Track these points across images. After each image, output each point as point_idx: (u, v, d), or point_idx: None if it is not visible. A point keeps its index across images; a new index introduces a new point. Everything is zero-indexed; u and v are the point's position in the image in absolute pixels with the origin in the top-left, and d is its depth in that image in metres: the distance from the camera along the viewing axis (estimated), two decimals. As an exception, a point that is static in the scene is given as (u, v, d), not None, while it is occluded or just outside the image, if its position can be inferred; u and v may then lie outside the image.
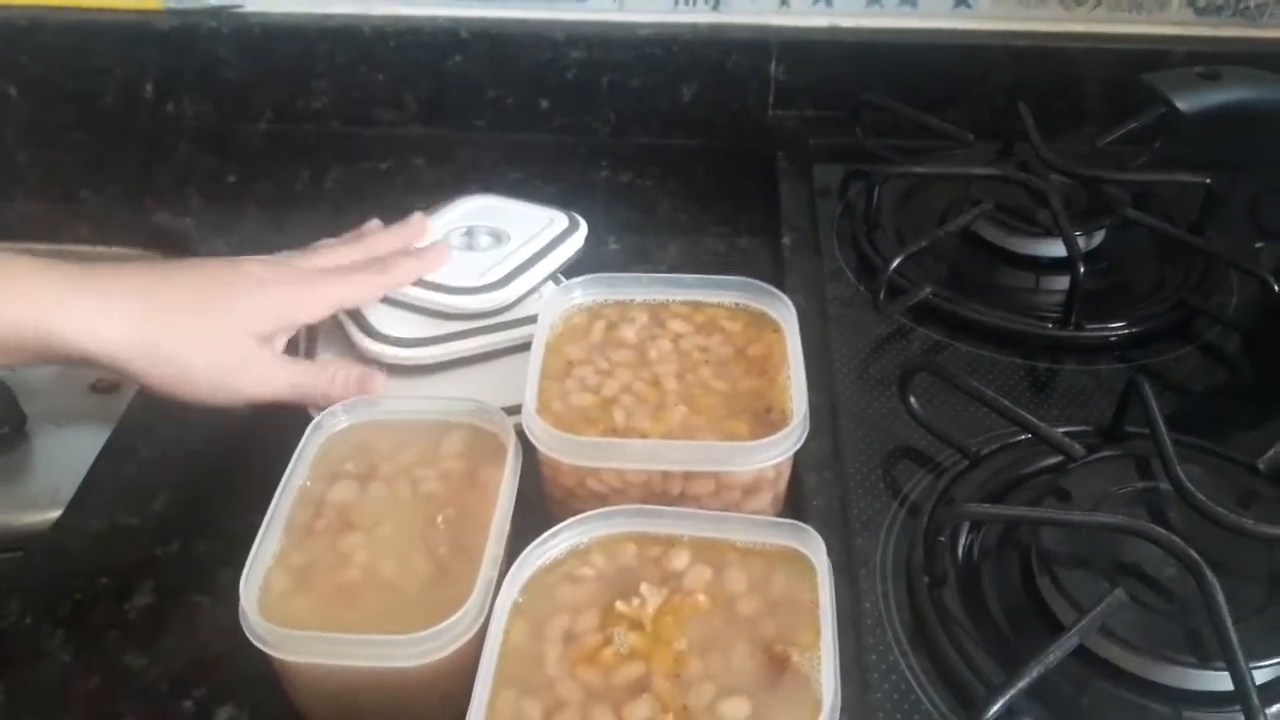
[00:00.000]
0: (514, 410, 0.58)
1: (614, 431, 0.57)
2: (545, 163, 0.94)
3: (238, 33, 0.95)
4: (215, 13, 0.95)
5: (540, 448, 0.55)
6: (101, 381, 0.90)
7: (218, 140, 0.97)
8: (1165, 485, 0.56)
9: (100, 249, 0.89)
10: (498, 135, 0.97)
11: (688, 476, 0.55)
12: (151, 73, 0.96)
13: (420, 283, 0.68)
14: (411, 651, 0.47)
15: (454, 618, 0.47)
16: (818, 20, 0.94)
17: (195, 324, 0.59)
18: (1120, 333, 0.72)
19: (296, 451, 0.56)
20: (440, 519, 0.54)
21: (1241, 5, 0.92)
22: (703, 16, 0.94)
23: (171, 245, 0.87)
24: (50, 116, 0.98)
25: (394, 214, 0.81)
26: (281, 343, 0.64)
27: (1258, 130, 0.80)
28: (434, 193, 0.83)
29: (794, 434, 0.55)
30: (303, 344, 0.69)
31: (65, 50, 0.96)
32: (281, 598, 0.50)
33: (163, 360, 0.58)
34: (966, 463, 0.62)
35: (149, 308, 0.58)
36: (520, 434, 0.57)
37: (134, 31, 0.95)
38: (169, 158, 0.95)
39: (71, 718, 0.54)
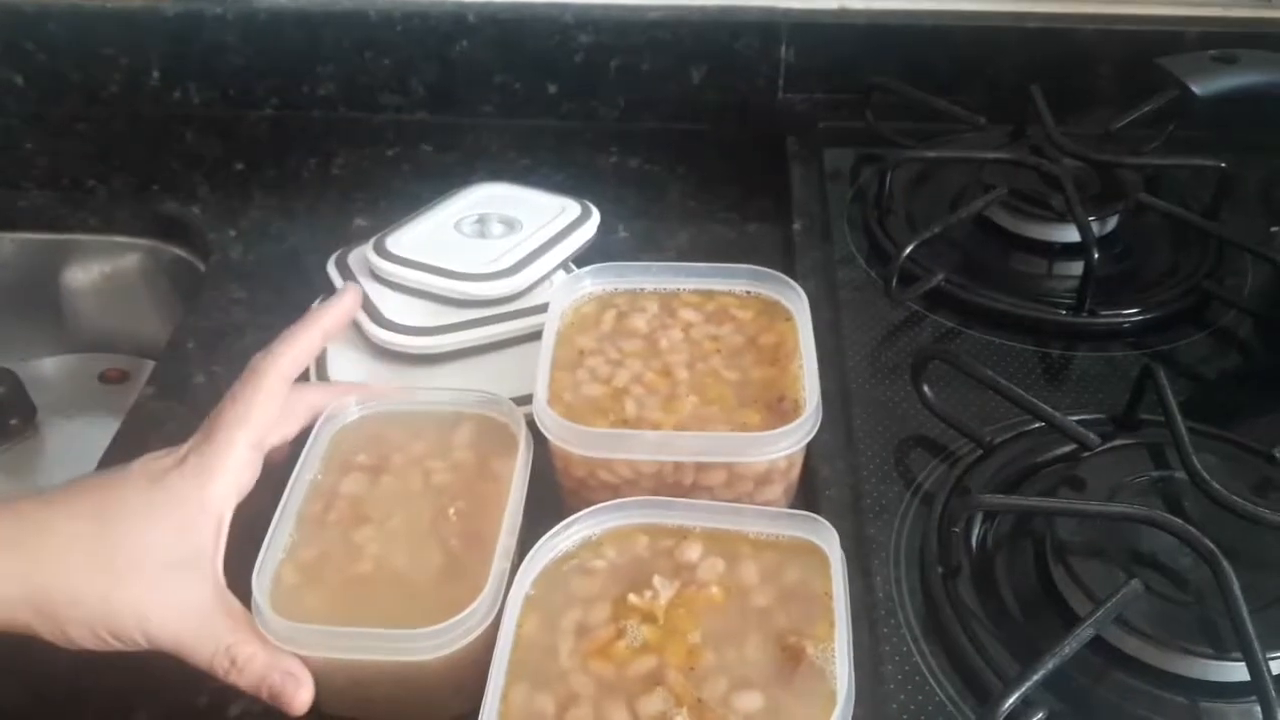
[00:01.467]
0: (524, 401, 0.57)
1: (625, 422, 0.57)
2: (553, 148, 0.94)
3: (243, 19, 0.94)
4: (220, -1, 0.94)
5: (551, 439, 0.55)
6: (111, 371, 0.90)
7: (224, 127, 0.96)
8: (1181, 474, 0.55)
9: (108, 239, 0.88)
10: (505, 120, 0.97)
11: (700, 467, 0.55)
12: (157, 60, 0.96)
13: (431, 269, 0.68)
14: (424, 645, 0.47)
15: (466, 611, 0.47)
16: (828, 2, 0.93)
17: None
18: (1134, 319, 0.71)
19: (308, 444, 0.56)
20: (452, 511, 0.54)
21: (1256, -14, 0.91)
22: (711, -1, 0.94)
23: (179, 234, 0.87)
24: (56, 105, 0.97)
25: (401, 200, 0.81)
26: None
27: (1273, 113, 0.79)
28: (441, 179, 0.83)
29: (806, 424, 0.55)
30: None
31: (71, 38, 0.95)
32: (293, 591, 0.50)
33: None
34: (980, 451, 0.61)
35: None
36: (531, 425, 0.56)
37: (139, 19, 0.94)
38: (176, 145, 0.95)
39: (86, 714, 0.54)
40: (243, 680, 0.48)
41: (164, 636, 0.48)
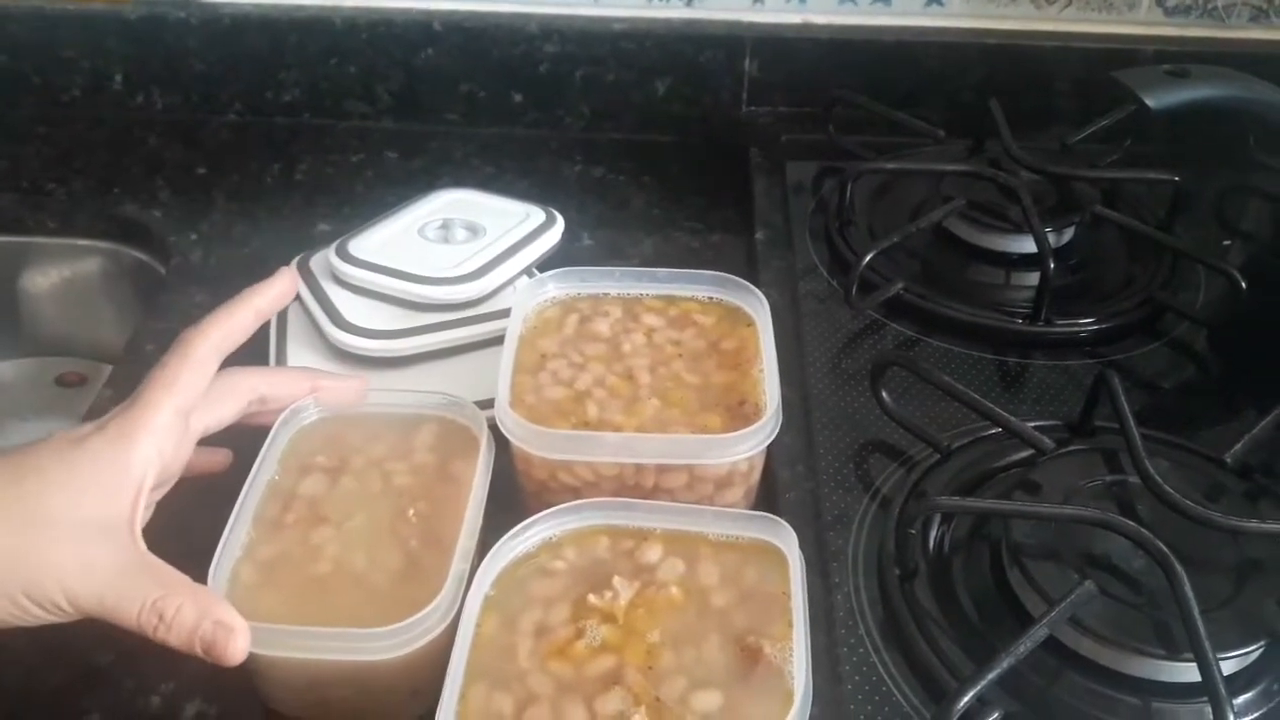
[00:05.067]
0: (487, 404, 0.57)
1: (587, 425, 0.57)
2: (518, 157, 0.94)
3: (207, 23, 0.94)
4: (184, 3, 0.94)
5: (513, 441, 0.55)
6: (69, 375, 0.89)
7: (187, 132, 0.96)
8: (1134, 479, 0.56)
9: (67, 241, 0.87)
10: (470, 129, 0.97)
11: (661, 470, 0.55)
12: (119, 64, 0.95)
13: (393, 272, 0.68)
14: (382, 645, 0.47)
15: (425, 611, 0.47)
16: (791, 17, 0.94)
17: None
18: (1089, 328, 0.72)
19: (266, 444, 0.56)
20: (412, 512, 0.54)
21: (1210, 5, 0.93)
22: (677, 12, 0.94)
23: (140, 237, 0.86)
24: (17, 107, 0.97)
25: (365, 206, 0.81)
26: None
27: (1226, 128, 0.81)
28: (405, 185, 0.83)
29: (767, 427, 0.55)
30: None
31: (32, 41, 0.95)
32: (250, 591, 0.50)
33: None
34: (938, 456, 0.62)
35: None
36: (493, 427, 0.56)
37: (102, 22, 0.94)
38: (137, 149, 0.94)
39: (38, 716, 0.53)
40: (173, 636, 0.46)
41: (86, 596, 0.45)
